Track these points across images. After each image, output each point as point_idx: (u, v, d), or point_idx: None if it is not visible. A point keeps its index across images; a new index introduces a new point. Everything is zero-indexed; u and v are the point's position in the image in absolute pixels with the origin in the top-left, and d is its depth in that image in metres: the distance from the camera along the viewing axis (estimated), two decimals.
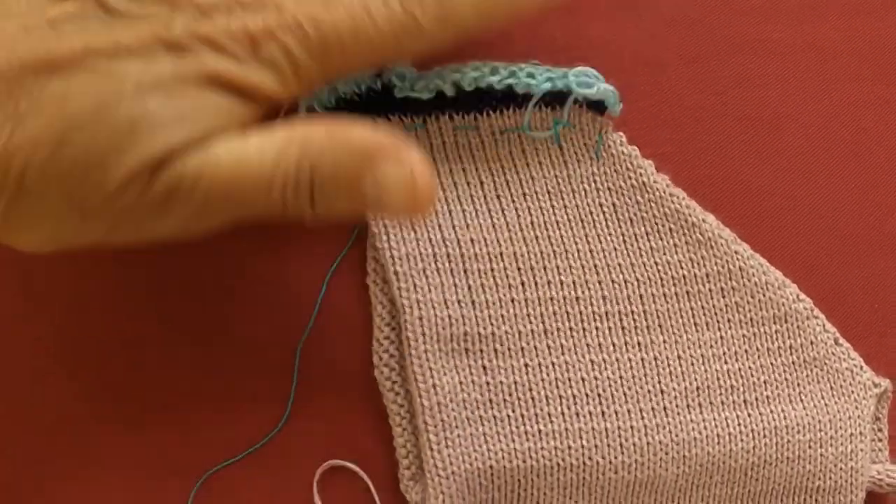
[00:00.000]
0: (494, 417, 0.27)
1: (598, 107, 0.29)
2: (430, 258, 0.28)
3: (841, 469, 0.29)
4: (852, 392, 0.30)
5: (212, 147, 0.21)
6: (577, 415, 0.28)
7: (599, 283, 0.28)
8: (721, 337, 0.29)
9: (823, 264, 0.32)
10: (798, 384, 0.29)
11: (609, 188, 0.29)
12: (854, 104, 0.33)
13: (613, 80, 0.29)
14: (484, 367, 0.28)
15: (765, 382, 0.29)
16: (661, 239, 0.29)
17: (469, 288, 0.28)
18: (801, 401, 0.29)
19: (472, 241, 0.28)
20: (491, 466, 0.27)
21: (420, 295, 0.27)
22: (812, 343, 0.30)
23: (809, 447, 0.29)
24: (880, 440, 0.31)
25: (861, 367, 0.30)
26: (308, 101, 0.28)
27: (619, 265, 0.29)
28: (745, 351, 0.29)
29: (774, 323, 0.29)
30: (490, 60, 0.28)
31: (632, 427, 0.28)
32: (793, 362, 0.29)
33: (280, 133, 0.22)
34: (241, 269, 0.28)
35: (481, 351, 0.28)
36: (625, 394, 0.28)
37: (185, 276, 0.28)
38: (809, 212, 0.32)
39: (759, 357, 0.29)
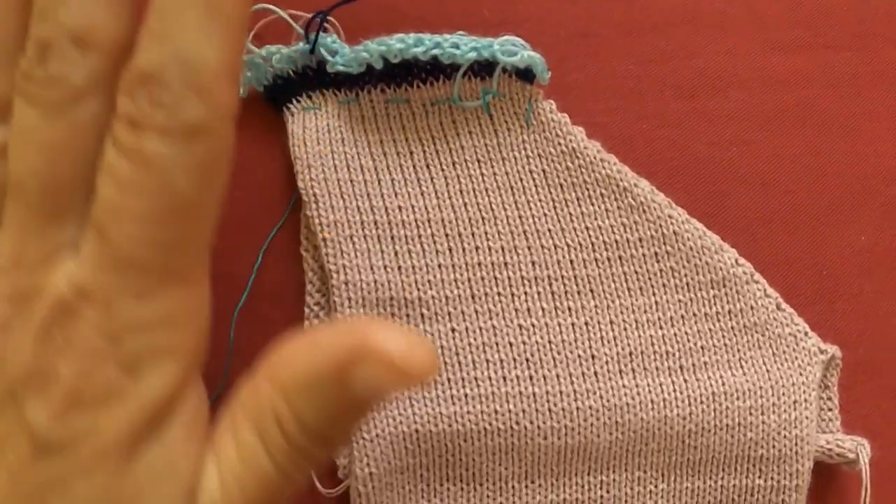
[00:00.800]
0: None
1: (526, 75, 0.29)
2: (358, 225, 0.28)
3: (785, 437, 0.28)
4: (796, 358, 0.29)
5: None
6: (505, 379, 0.27)
7: (528, 248, 0.28)
8: (656, 302, 0.28)
9: (767, 231, 0.31)
10: (738, 350, 0.29)
11: (539, 155, 0.29)
12: (794, 72, 0.32)
13: (548, 52, 0.29)
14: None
15: (702, 348, 0.28)
16: (592, 204, 0.29)
17: (396, 254, 0.28)
18: (741, 367, 0.29)
19: (399, 208, 0.28)
20: (417, 430, 0.27)
21: (346, 260, 0.27)
22: (752, 308, 0.29)
23: (750, 414, 0.28)
24: (830, 409, 0.30)
25: (806, 333, 0.29)
26: (247, 80, 0.29)
27: (549, 230, 0.28)
28: (682, 316, 0.29)
29: (712, 288, 0.29)
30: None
31: (561, 392, 0.27)
32: (732, 327, 0.29)
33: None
34: None
35: (408, 315, 0.28)
36: (554, 358, 0.28)
37: None
38: (751, 179, 0.31)
39: (695, 322, 0.28)
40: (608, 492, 0.28)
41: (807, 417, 0.29)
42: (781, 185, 0.31)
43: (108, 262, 0.18)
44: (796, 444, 0.28)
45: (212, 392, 0.27)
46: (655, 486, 0.28)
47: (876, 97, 0.33)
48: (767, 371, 0.29)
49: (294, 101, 0.29)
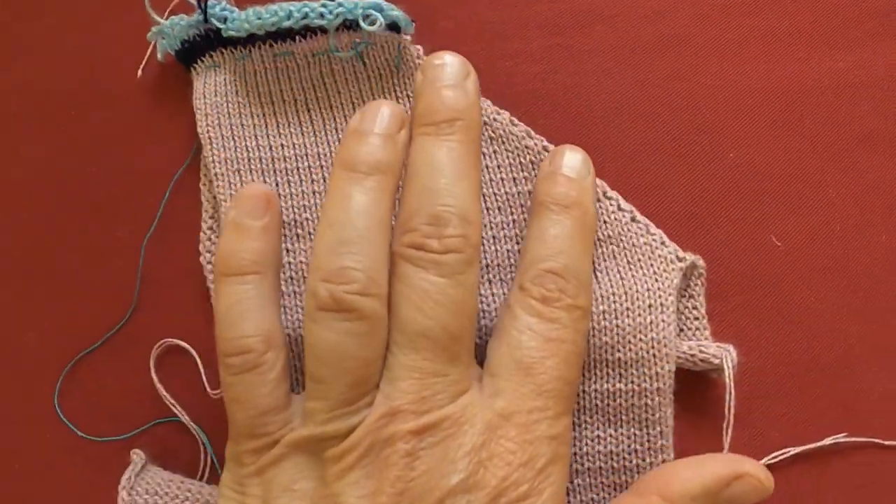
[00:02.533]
0: (294, 292, 0.30)
1: (394, 27, 0.31)
2: (245, 161, 0.31)
3: (641, 340, 0.29)
4: (651, 265, 0.29)
5: None
6: None
7: None
8: (513, 220, 0.30)
9: (632, 154, 0.32)
10: (593, 261, 0.29)
11: (408, 95, 0.31)
12: (662, 4, 0.33)
13: (419, 2, 0.32)
14: (287, 249, 0.30)
15: None
16: None
17: (277, 183, 0.31)
18: (596, 276, 0.29)
19: (282, 146, 0.31)
20: (289, 335, 0.29)
21: (233, 190, 0.31)
22: (605, 222, 0.30)
23: (604, 318, 0.29)
24: (696, 318, 0.30)
25: (663, 242, 0.29)
26: (162, 46, 0.33)
27: None
28: None
29: None
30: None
31: None
32: None
33: None
34: (94, 172, 0.33)
35: (284, 235, 0.30)
36: None
37: (38, 172, 0.33)
38: (614, 106, 0.32)
39: None
40: None
41: (663, 321, 0.29)
42: (645, 109, 0.32)
43: (532, 391, 0.24)
44: (653, 347, 0.28)
45: (124, 312, 0.31)
46: None
47: (750, 23, 0.33)
48: (622, 278, 0.29)
49: (199, 61, 0.32)
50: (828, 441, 0.31)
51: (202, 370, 0.31)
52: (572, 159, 0.28)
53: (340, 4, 0.30)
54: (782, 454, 0.31)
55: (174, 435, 0.31)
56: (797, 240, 0.32)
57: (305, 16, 0.30)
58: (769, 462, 0.31)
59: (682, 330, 0.30)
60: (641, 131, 0.32)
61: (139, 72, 0.33)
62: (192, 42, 0.32)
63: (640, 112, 0.32)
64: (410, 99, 0.31)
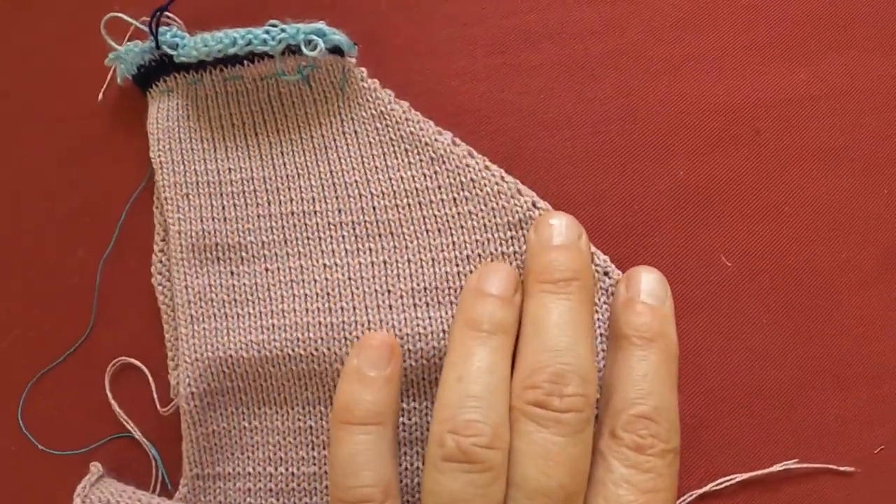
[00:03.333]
0: (238, 314, 0.30)
1: (338, 51, 0.31)
2: (194, 185, 0.31)
3: None
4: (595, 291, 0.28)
5: None
6: (307, 311, 0.29)
7: (336, 198, 0.30)
8: (453, 242, 0.29)
9: (574, 171, 0.31)
10: None
11: (352, 118, 0.31)
12: (610, 21, 0.32)
13: (371, 20, 0.31)
14: (231, 272, 0.30)
15: None
16: (396, 158, 0.30)
17: (223, 207, 0.31)
18: None
19: (230, 169, 0.31)
20: (231, 356, 0.29)
21: (181, 214, 0.31)
22: None
23: None
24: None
25: (606, 273, 0.29)
26: (121, 71, 0.33)
27: (356, 181, 0.30)
28: (478, 255, 0.29)
29: (509, 229, 0.29)
30: (239, 26, 0.31)
31: (356, 321, 0.29)
32: None
33: None
34: (54, 192, 0.33)
35: (230, 258, 0.30)
36: (352, 293, 0.29)
37: (9, 200, 0.33)
38: (558, 123, 0.32)
39: (490, 260, 0.29)
40: (409, 419, 0.29)
41: (603, 350, 0.28)
42: (589, 125, 0.31)
43: None
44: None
45: (83, 329, 0.31)
46: None
47: (703, 38, 0.32)
48: None
49: (154, 86, 0.32)
50: (777, 467, 0.30)
51: (154, 388, 0.31)
52: (649, 283, 0.27)
53: (283, 30, 0.30)
54: (729, 480, 0.30)
55: (129, 450, 0.31)
56: (748, 259, 0.31)
57: (249, 42, 0.30)
58: (716, 488, 0.30)
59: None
60: (588, 149, 0.31)
61: (100, 95, 0.34)
62: (148, 67, 0.32)
63: (586, 129, 0.31)
64: (354, 122, 0.31)
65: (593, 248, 0.29)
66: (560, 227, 0.27)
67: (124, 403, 0.31)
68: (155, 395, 0.31)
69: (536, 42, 0.32)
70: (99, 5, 0.33)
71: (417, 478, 0.29)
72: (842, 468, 0.30)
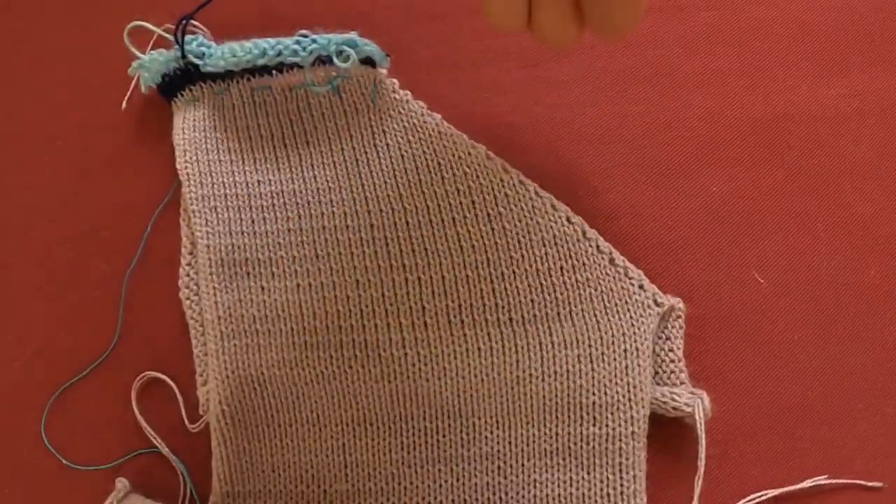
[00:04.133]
0: (269, 330, 0.29)
1: (370, 61, 0.30)
2: (222, 198, 0.30)
3: (617, 384, 0.27)
4: (628, 310, 0.28)
5: None
6: (340, 328, 0.28)
7: (368, 212, 0.29)
8: (488, 258, 0.28)
9: (610, 185, 0.30)
10: (568, 303, 0.28)
11: (384, 131, 0.30)
12: (644, 33, 0.31)
13: (400, 33, 0.30)
14: (262, 287, 0.29)
15: (532, 301, 0.28)
16: (430, 173, 0.29)
17: (253, 221, 0.30)
18: (571, 319, 0.28)
19: (258, 182, 0.30)
20: (263, 373, 0.28)
21: (210, 228, 0.29)
22: (584, 265, 0.28)
23: (579, 362, 0.27)
24: (672, 361, 0.28)
25: (641, 286, 0.28)
26: (144, 80, 0.32)
27: (388, 196, 0.29)
28: (513, 272, 0.28)
29: (543, 245, 0.28)
30: (267, 35, 0.30)
31: (390, 339, 0.28)
32: (564, 282, 0.28)
33: None
34: (79, 204, 0.32)
35: (260, 273, 0.29)
36: (386, 310, 0.28)
37: (24, 203, 0.32)
38: (593, 137, 0.31)
39: (526, 278, 0.28)
40: (444, 436, 0.28)
41: (639, 366, 0.27)
42: (624, 140, 0.30)
43: None
44: (628, 392, 0.27)
45: (107, 344, 0.30)
46: (491, 433, 0.28)
47: (735, 54, 0.31)
48: (598, 322, 0.28)
49: (179, 95, 0.31)
50: (808, 483, 0.29)
51: (182, 404, 0.30)
52: None
53: (314, 41, 0.29)
54: (761, 496, 0.29)
55: (157, 465, 0.30)
56: (781, 277, 0.30)
57: (279, 53, 0.29)
58: (748, 503, 0.29)
59: (657, 373, 0.28)
60: (621, 163, 0.30)
61: (124, 104, 0.32)
62: (173, 76, 0.31)
63: (619, 143, 0.30)
64: (385, 135, 0.30)
65: (628, 264, 0.28)
66: None
67: (151, 418, 0.30)
68: (183, 411, 0.30)
69: (568, 55, 0.31)
70: (122, 14, 0.32)
71: (451, 495, 0.28)
72: (870, 484, 0.29)
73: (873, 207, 0.31)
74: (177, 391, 0.30)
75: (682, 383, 0.28)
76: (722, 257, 0.30)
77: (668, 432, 0.29)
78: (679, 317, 0.28)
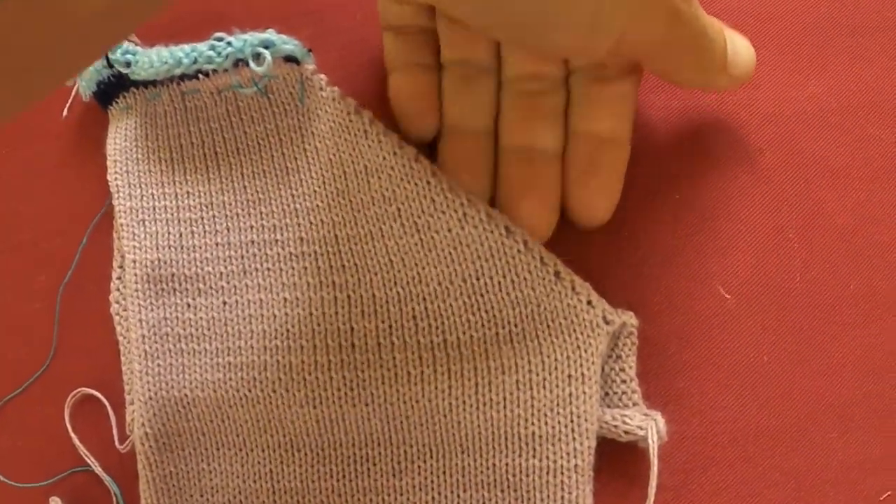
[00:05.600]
0: (194, 350, 0.26)
1: (294, 59, 0.27)
2: (150, 210, 0.27)
3: (559, 414, 0.24)
4: (574, 330, 0.24)
5: None
6: (265, 349, 0.25)
7: (298, 225, 0.26)
8: (419, 275, 0.25)
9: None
10: (507, 323, 0.25)
11: (313, 133, 0.27)
12: None
13: (342, 33, 0.27)
14: (188, 304, 0.27)
15: (468, 321, 0.25)
16: (357, 179, 0.26)
17: (181, 235, 0.27)
18: (511, 340, 0.24)
19: (188, 194, 0.27)
20: (186, 395, 0.26)
21: (137, 242, 0.27)
22: (525, 280, 0.25)
23: (517, 388, 0.24)
24: (624, 382, 0.25)
25: (589, 302, 0.24)
26: (83, 88, 0.29)
27: (318, 207, 0.26)
28: (446, 289, 0.25)
29: (479, 259, 0.25)
30: (199, 34, 0.27)
31: (316, 362, 0.25)
32: (502, 300, 0.25)
33: None
34: (17, 214, 0.30)
35: (187, 290, 0.27)
36: (314, 330, 0.25)
37: None
38: None
39: (461, 295, 0.25)
40: (374, 465, 0.25)
41: (584, 393, 0.24)
42: None
43: None
44: (573, 422, 0.24)
45: (44, 358, 0.28)
46: (424, 463, 0.25)
47: None
48: (540, 345, 0.24)
49: (114, 103, 0.29)
50: None
51: (114, 423, 0.28)
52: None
53: (229, 44, 0.26)
54: None
55: (91, 484, 0.28)
56: (749, 291, 0.27)
57: (195, 61, 0.26)
58: None
59: (607, 394, 0.25)
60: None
61: (64, 112, 0.30)
62: (108, 83, 0.28)
63: None
64: (315, 138, 0.27)
65: (574, 277, 0.25)
66: None
67: (87, 435, 0.28)
68: (115, 430, 0.27)
69: None
70: None
71: None
72: None
73: (854, 216, 0.27)
74: (109, 409, 0.28)
75: (634, 405, 0.24)
76: (682, 270, 0.27)
77: (623, 459, 0.25)
78: (631, 333, 0.25)
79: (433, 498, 0.25)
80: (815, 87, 0.27)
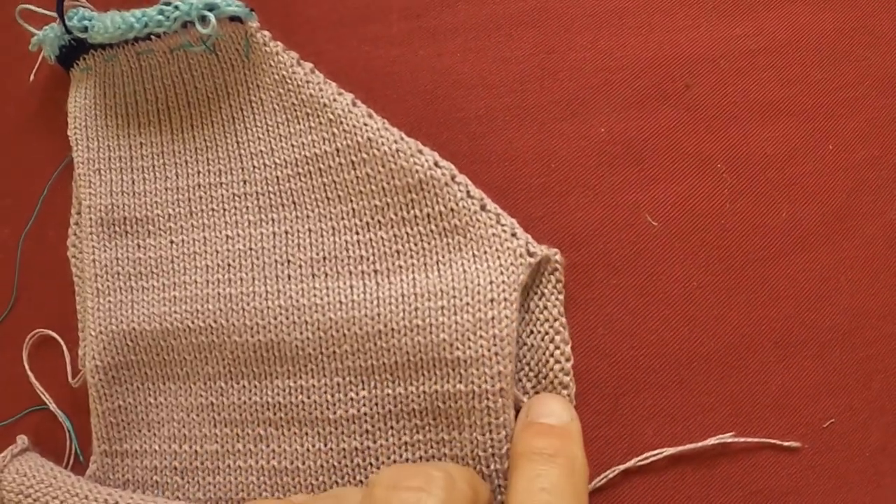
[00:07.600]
0: (143, 287, 0.26)
1: (238, 18, 0.27)
2: (106, 160, 0.28)
3: (481, 337, 0.23)
4: (498, 258, 0.24)
5: None
6: (207, 282, 0.25)
7: (242, 169, 0.26)
8: (353, 209, 0.25)
9: (489, 130, 0.26)
10: (435, 252, 0.24)
11: (258, 85, 0.27)
12: None
13: None
14: (138, 245, 0.27)
15: (397, 252, 0.24)
16: (298, 123, 0.26)
17: (133, 182, 0.27)
18: (438, 269, 0.24)
19: (141, 144, 0.28)
20: (134, 328, 0.26)
21: (92, 189, 0.27)
22: (452, 210, 0.24)
23: (442, 314, 0.24)
24: (548, 321, 0.24)
25: (513, 234, 0.24)
26: (47, 53, 0.30)
27: (261, 152, 0.26)
28: (378, 221, 0.25)
29: (409, 192, 0.25)
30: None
31: (254, 292, 0.25)
32: (430, 231, 0.24)
33: None
34: None
35: (137, 232, 0.27)
36: (252, 263, 0.25)
37: None
38: (474, 83, 0.27)
39: (391, 227, 0.25)
40: (308, 397, 0.25)
41: (506, 317, 0.23)
42: (506, 85, 0.27)
43: None
44: (494, 345, 0.23)
45: (5, 305, 0.28)
46: (356, 393, 0.24)
47: None
48: (465, 272, 0.24)
49: (75, 65, 0.29)
50: (712, 441, 0.24)
51: (68, 361, 0.28)
52: (550, 405, 0.23)
53: (177, 8, 0.26)
54: (657, 455, 0.25)
55: (49, 423, 0.28)
56: (678, 220, 0.26)
57: (145, 25, 0.26)
58: (641, 463, 0.25)
59: (531, 333, 0.24)
60: (504, 108, 0.26)
61: (31, 76, 0.31)
62: (69, 47, 0.29)
63: (502, 88, 0.27)
64: (259, 90, 0.27)
65: (500, 211, 0.24)
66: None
67: (44, 376, 0.28)
68: (69, 367, 0.27)
69: (453, 4, 0.27)
70: None
71: (319, 459, 0.24)
72: (786, 443, 0.24)
73: (784, 147, 0.26)
74: (64, 348, 0.28)
75: (557, 348, 0.24)
76: (610, 201, 0.26)
77: None
78: (556, 270, 0.24)
79: (367, 430, 0.24)
80: (742, 29, 0.27)
